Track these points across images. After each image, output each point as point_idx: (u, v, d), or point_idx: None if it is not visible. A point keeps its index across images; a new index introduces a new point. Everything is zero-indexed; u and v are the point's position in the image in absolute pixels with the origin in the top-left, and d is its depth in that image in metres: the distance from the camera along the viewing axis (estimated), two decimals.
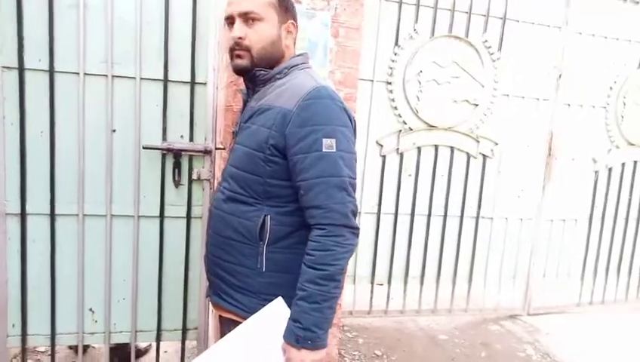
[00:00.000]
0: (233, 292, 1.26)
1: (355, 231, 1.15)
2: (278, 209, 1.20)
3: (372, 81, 2.53)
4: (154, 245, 2.09)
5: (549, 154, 2.94)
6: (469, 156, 2.79)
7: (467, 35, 2.65)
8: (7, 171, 1.90)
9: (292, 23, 1.26)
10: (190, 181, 2.09)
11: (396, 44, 2.55)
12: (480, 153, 2.80)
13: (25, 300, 1.98)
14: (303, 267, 1.13)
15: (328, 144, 1.12)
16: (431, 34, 2.59)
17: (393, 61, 2.56)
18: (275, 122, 1.16)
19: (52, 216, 1.97)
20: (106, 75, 1.93)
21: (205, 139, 2.05)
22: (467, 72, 2.67)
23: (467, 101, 2.71)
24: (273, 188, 1.19)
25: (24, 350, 2.04)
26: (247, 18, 1.21)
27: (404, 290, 2.83)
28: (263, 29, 1.22)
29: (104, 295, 2.06)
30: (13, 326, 1.99)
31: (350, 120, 1.19)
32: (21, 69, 1.85)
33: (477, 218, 2.86)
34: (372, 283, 2.78)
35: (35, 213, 1.95)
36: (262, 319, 1.17)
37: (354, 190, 1.16)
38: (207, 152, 2.06)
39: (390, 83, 2.58)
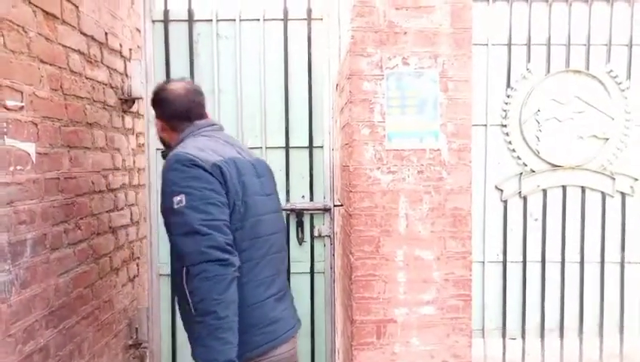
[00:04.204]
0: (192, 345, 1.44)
1: (218, 261, 1.26)
2: None
3: (485, 125, 2.48)
4: None
5: None
6: (604, 195, 2.54)
7: (587, 68, 2.48)
8: (161, 237, 2.19)
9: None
10: (312, 238, 2.21)
11: (508, 85, 2.49)
12: (617, 191, 2.53)
13: (175, 353, 2.21)
14: None
15: (178, 200, 1.31)
16: (546, 71, 2.48)
17: (506, 103, 2.49)
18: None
19: None
20: None
21: (324, 197, 2.18)
22: (592, 106, 2.49)
23: (595, 136, 2.51)
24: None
25: None
26: None
27: (542, 345, 2.58)
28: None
29: None
30: None
31: (207, 171, 1.34)
32: None
33: (621, 263, 2.55)
34: (504, 336, 2.59)
35: None
36: None
37: (214, 229, 1.29)
38: (326, 210, 2.18)
39: (505, 125, 2.49)
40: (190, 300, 1.26)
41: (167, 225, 1.38)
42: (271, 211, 1.54)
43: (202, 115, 1.60)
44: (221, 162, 1.38)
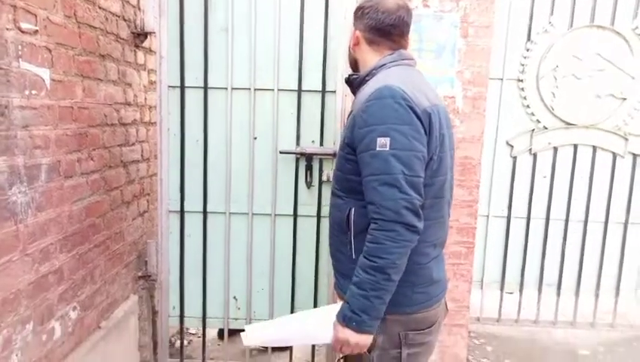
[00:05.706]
0: (338, 275, 1.41)
1: (410, 227, 1.17)
2: (360, 203, 1.28)
3: (501, 79, 2.44)
4: (288, 241, 2.27)
5: None
6: (615, 156, 2.53)
7: (613, 24, 2.41)
8: (171, 175, 2.22)
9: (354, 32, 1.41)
10: (320, 182, 2.23)
11: (528, 39, 2.43)
12: (629, 152, 2.52)
13: (182, 286, 2.29)
14: (360, 256, 1.22)
15: (382, 143, 1.18)
16: (569, 26, 2.41)
17: (525, 57, 2.43)
18: (349, 124, 1.29)
19: (204, 213, 2.25)
20: (249, 89, 2.16)
21: (334, 143, 2.18)
22: (613, 64, 2.43)
23: (613, 95, 2.47)
24: (353, 184, 1.29)
25: (182, 329, 2.35)
26: None
27: (538, 299, 2.65)
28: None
29: (246, 285, 2.29)
30: (174, 308, 2.32)
31: (418, 117, 1.20)
32: (182, 87, 2.15)
33: (625, 224, 2.58)
34: (501, 289, 2.65)
35: (191, 211, 2.25)
36: (328, 309, 1.32)
37: (413, 187, 1.18)
38: (335, 155, 2.18)
39: (522, 80, 2.45)
40: (366, 248, 1.21)
41: (352, 160, 1.27)
42: (450, 169, 1.40)
43: (405, 39, 1.40)
44: (430, 109, 1.24)
